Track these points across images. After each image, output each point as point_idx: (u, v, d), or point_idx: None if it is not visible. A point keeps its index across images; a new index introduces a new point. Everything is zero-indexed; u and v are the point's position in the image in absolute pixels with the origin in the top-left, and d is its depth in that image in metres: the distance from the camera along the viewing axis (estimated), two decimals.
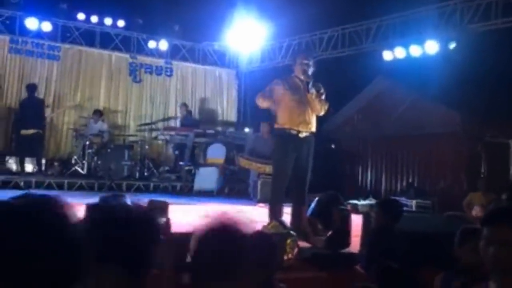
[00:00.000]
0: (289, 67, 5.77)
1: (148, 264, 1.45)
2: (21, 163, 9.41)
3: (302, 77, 5.38)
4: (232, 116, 13.18)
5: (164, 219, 2.27)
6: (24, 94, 10.23)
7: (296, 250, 4.13)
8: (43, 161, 9.86)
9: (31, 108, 9.61)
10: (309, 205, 5.31)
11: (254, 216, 6.48)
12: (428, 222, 4.89)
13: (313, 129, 5.50)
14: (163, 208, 3.24)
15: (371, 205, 8.44)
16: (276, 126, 5.47)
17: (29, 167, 9.46)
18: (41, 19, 10.65)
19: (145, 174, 10.30)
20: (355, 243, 4.50)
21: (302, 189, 5.43)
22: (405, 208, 8.32)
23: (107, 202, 1.65)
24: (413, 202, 8.38)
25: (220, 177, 9.85)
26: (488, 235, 1.85)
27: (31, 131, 9.43)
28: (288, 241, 4.14)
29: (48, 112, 10.18)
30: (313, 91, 5.31)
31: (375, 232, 3.93)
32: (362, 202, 8.68)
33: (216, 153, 10.14)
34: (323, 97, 5.44)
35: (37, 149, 9.72)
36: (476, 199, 5.98)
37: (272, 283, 2.63)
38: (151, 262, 1.46)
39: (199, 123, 11.67)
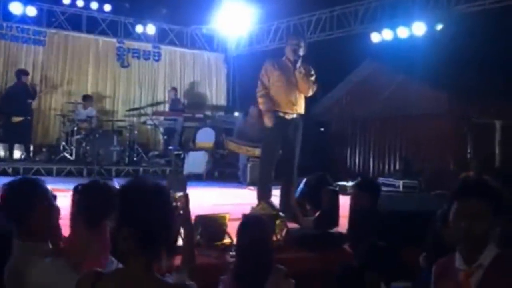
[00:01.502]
0: (281, 50, 5.78)
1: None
2: (10, 150, 9.35)
3: (291, 58, 5.39)
4: (221, 100, 13.16)
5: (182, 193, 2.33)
6: (9, 81, 10.13)
7: (285, 230, 4.18)
8: (31, 147, 9.81)
9: (20, 95, 9.55)
10: (298, 187, 5.35)
11: (244, 198, 6.53)
12: (415, 202, 4.96)
13: (301, 110, 5.52)
14: (181, 182, 3.28)
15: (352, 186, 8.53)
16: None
17: (17, 153, 9.42)
18: (26, 4, 10.49)
19: (135, 159, 10.29)
20: (343, 223, 4.55)
21: (290, 171, 5.46)
22: (392, 189, 8.45)
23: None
24: (401, 183, 8.47)
25: (210, 161, 9.86)
26: (458, 209, 1.89)
27: (21, 118, 9.40)
28: (277, 222, 4.18)
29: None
30: (301, 69, 5.33)
31: (355, 212, 3.97)
32: (350, 183, 8.74)
33: (205, 137, 10.14)
34: (312, 78, 5.46)
35: (26, 135, 9.70)
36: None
37: (271, 264, 2.67)
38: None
39: (187, 107, 11.64)
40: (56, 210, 2.22)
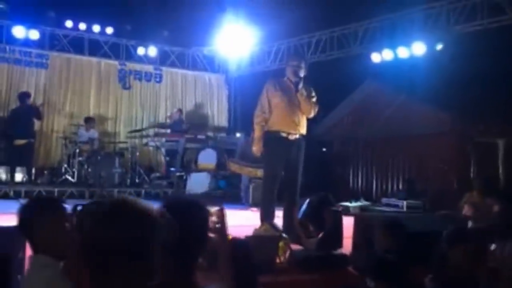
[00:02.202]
0: (282, 70, 5.81)
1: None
2: (12, 173, 9.35)
3: (293, 79, 5.41)
4: (223, 121, 13.18)
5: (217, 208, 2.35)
6: (12, 103, 10.17)
7: (288, 252, 4.13)
8: (33, 170, 9.80)
9: (24, 117, 9.61)
10: (301, 207, 5.31)
11: (246, 219, 6.48)
12: (420, 222, 4.90)
13: (303, 131, 5.52)
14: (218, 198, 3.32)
15: (361, 208, 8.49)
16: (265, 129, 5.48)
17: (18, 176, 9.40)
18: (29, 27, 10.61)
19: (137, 181, 10.26)
20: (347, 245, 4.50)
21: (293, 192, 5.43)
22: (396, 209, 8.40)
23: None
24: (404, 203, 8.41)
25: (212, 182, 9.83)
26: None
27: (24, 141, 9.44)
28: (280, 243, 4.14)
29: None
30: (303, 90, 5.34)
31: (379, 254, 3.50)
32: (353, 204, 8.70)
33: (207, 158, 10.13)
34: (314, 99, 5.47)
35: (28, 158, 9.71)
36: (469, 198, 6.03)
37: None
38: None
39: (188, 128, 11.66)
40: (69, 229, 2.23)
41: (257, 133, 5.45)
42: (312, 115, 5.55)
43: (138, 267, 1.26)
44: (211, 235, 2.07)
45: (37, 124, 10.11)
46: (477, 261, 2.81)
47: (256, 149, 5.42)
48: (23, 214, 2.17)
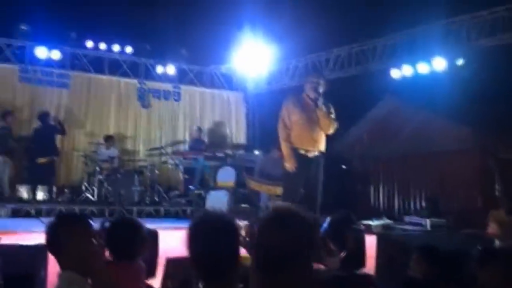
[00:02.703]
0: (300, 87, 5.79)
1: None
2: (33, 191, 9.44)
3: (312, 96, 5.37)
4: (241, 139, 13.16)
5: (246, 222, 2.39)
6: (34, 123, 10.33)
7: None
8: (54, 188, 9.89)
9: (46, 136, 9.78)
10: (321, 226, 5.23)
11: None
12: (445, 241, 4.78)
13: (322, 148, 5.46)
14: (247, 213, 3.34)
15: (383, 226, 8.33)
16: None
17: (39, 194, 9.49)
18: (50, 48, 10.81)
19: (156, 199, 10.26)
20: (370, 264, 4.39)
21: (313, 210, 5.35)
22: (419, 228, 8.23)
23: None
24: (428, 221, 8.24)
25: (231, 200, 9.77)
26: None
27: (46, 159, 9.58)
28: None
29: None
30: (322, 106, 5.30)
31: (407, 274, 3.37)
32: (375, 222, 8.56)
33: (226, 176, 10.09)
34: (333, 116, 5.42)
35: (50, 176, 9.83)
36: (495, 217, 5.87)
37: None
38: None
39: (207, 146, 11.67)
40: (96, 246, 2.23)
41: (285, 150, 5.41)
42: (331, 131, 5.50)
43: (303, 266, 1.43)
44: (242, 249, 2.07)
45: (59, 139, 10.26)
46: (507, 281, 2.72)
47: (289, 166, 5.36)
48: (51, 232, 2.17)
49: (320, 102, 5.32)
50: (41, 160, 9.63)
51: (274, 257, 1.41)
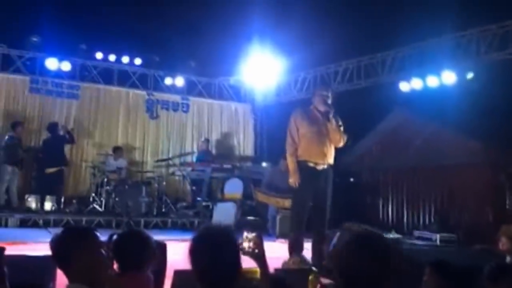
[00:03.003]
0: (309, 100, 5.77)
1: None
2: (41, 201, 9.47)
3: (321, 109, 5.36)
4: (249, 151, 13.15)
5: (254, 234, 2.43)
6: (43, 133, 10.39)
7: (318, 286, 3.99)
8: (62, 199, 9.91)
9: (55, 147, 9.84)
10: (330, 239, 5.18)
11: (274, 251, 6.35)
12: (456, 256, 4.71)
13: (331, 161, 5.44)
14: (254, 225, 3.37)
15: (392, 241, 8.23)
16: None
17: (48, 205, 9.50)
18: (61, 59, 10.90)
19: (163, 210, 10.24)
20: None
21: (322, 223, 5.32)
22: (429, 242, 8.13)
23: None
24: (437, 236, 8.14)
25: (238, 212, 9.73)
26: None
27: (55, 169, 9.62)
28: (310, 277, 4.00)
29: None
30: (333, 120, 5.28)
31: None
32: (385, 236, 8.47)
33: (234, 188, 10.06)
34: (341, 128, 5.40)
35: (58, 186, 9.86)
36: (506, 232, 5.78)
37: None
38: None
39: (215, 158, 11.66)
40: (104, 256, 2.23)
41: (291, 165, 5.39)
42: (341, 144, 5.48)
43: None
44: (251, 259, 2.22)
45: (68, 150, 10.32)
46: None
47: (293, 181, 5.34)
48: (58, 245, 2.17)
49: (331, 115, 5.30)
50: (50, 170, 9.67)
51: (362, 280, 1.49)
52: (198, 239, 2.02)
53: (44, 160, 9.88)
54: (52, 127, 10.06)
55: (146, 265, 2.54)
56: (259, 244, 2.37)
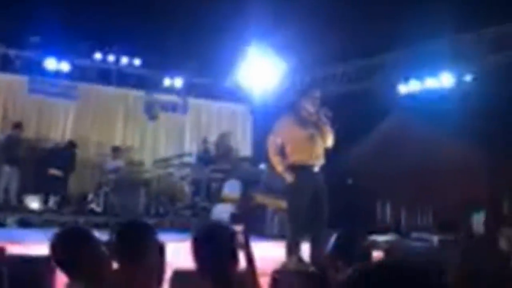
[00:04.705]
0: (296, 102, 5.68)
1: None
2: (40, 201, 9.47)
3: (312, 110, 5.36)
4: (247, 152, 13.15)
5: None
6: (42, 134, 10.40)
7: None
8: (61, 199, 9.90)
9: (62, 152, 9.94)
10: (328, 241, 5.19)
11: (271, 253, 6.36)
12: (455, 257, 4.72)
13: (323, 161, 5.47)
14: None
15: (390, 242, 8.25)
16: (287, 162, 5.41)
17: (46, 204, 9.50)
18: (59, 60, 10.89)
19: (161, 211, 10.25)
20: None
21: (319, 224, 5.32)
22: (427, 244, 8.14)
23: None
24: (435, 237, 8.17)
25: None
26: None
27: (58, 171, 9.64)
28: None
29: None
30: (323, 121, 5.31)
31: None
32: (382, 238, 8.48)
33: (232, 189, 10.08)
34: (329, 128, 5.40)
35: (61, 187, 9.88)
36: (505, 234, 5.83)
37: None
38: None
39: (213, 158, 11.66)
40: (104, 254, 2.25)
41: (279, 168, 5.40)
42: (331, 143, 5.50)
43: None
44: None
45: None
46: None
47: (289, 176, 5.33)
48: (57, 245, 2.19)
49: (322, 115, 5.32)
50: (53, 171, 9.68)
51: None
52: (200, 235, 2.21)
53: (47, 161, 9.94)
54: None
55: (148, 256, 2.47)
56: (244, 242, 2.47)
